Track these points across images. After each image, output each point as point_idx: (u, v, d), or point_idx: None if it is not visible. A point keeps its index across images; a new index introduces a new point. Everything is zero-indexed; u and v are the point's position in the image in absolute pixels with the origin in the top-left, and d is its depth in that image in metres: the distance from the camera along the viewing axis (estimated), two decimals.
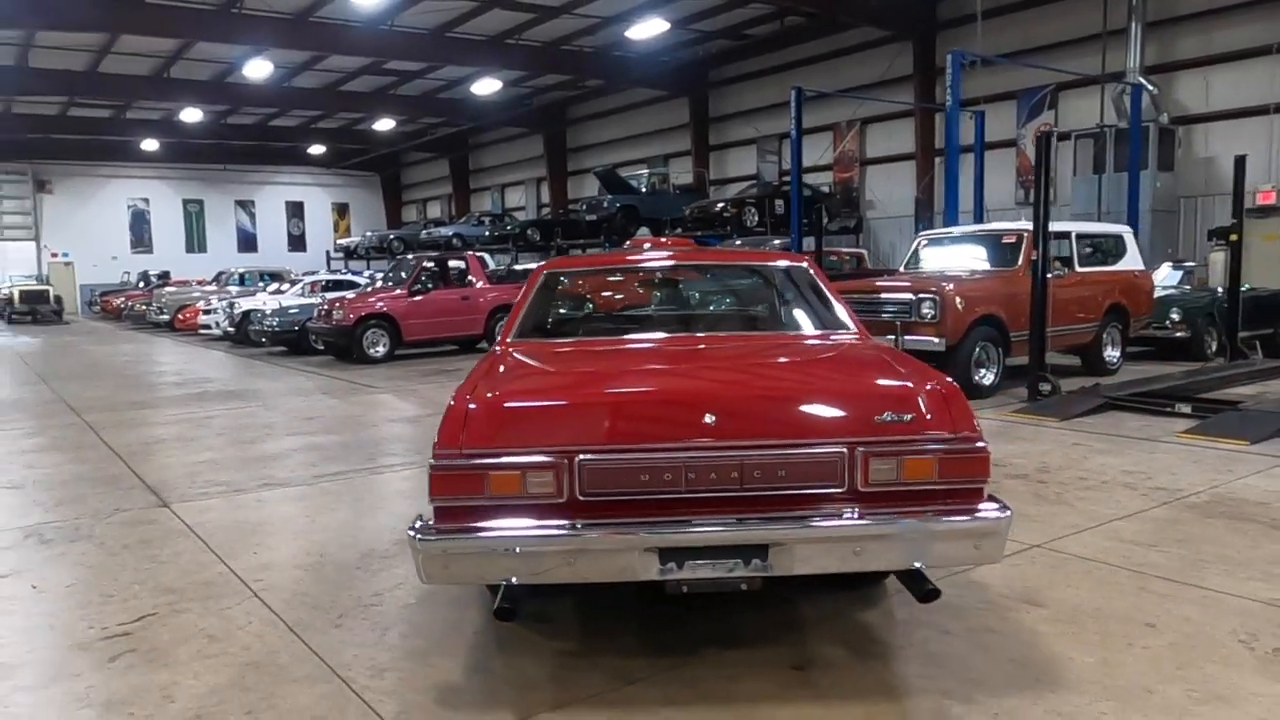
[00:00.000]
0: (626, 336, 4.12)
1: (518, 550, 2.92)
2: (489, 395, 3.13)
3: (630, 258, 5.14)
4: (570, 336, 4.39)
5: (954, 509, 3.02)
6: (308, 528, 5.22)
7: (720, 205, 21.40)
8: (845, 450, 2.99)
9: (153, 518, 5.47)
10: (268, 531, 5.17)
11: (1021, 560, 4.35)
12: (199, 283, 27.39)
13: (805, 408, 3.14)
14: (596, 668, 3.30)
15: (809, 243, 14.80)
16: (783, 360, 3.78)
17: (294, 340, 15.80)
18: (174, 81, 26.03)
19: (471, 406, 3.05)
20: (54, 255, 35.79)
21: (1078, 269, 10.36)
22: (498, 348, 4.05)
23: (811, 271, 4.41)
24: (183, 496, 5.95)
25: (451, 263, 15.47)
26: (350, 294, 15.32)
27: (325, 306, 14.52)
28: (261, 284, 24.29)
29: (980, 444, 3.06)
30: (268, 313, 16.31)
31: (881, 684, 3.14)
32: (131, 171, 36.65)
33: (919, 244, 11.06)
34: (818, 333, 4.08)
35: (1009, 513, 3.04)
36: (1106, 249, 11.19)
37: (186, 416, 9.44)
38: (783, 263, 4.58)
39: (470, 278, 15.10)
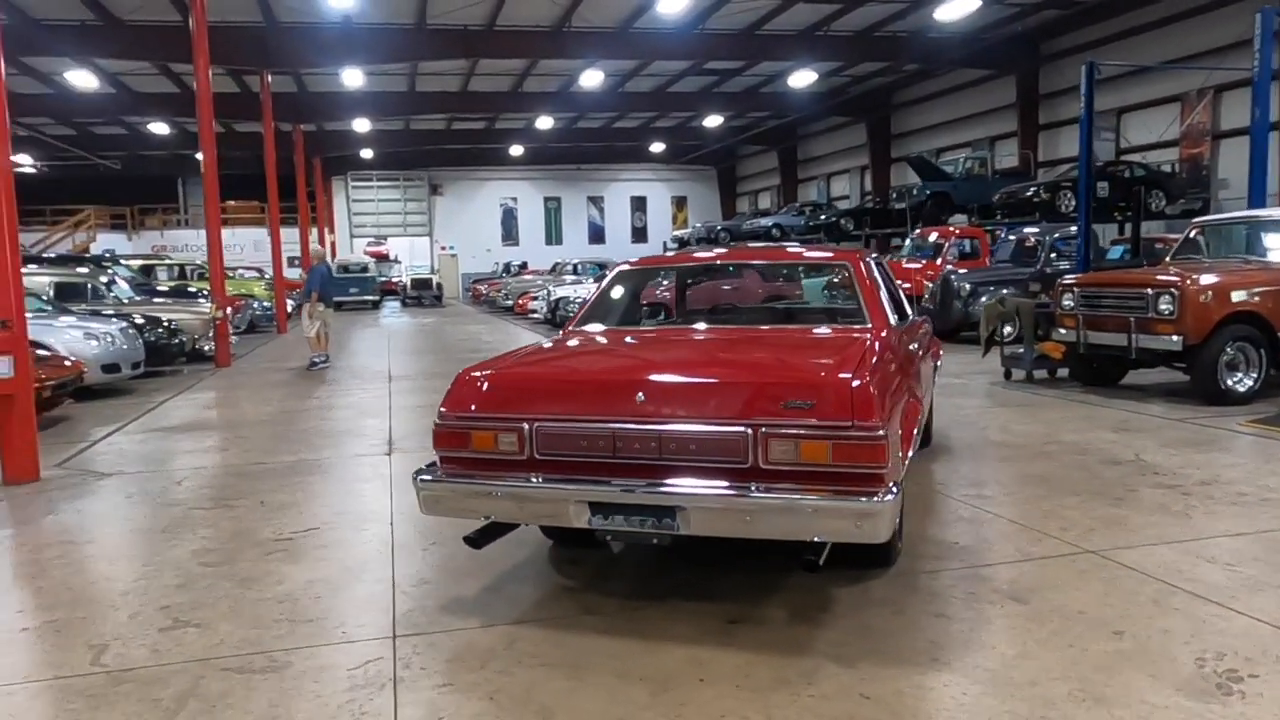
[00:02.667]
0: (649, 327, 4.70)
1: (482, 493, 3.70)
2: (479, 372, 3.93)
3: (689, 259, 5.59)
4: (619, 325, 5.02)
5: (840, 490, 3.29)
6: None
7: (1031, 190, 20.07)
8: (749, 431, 3.40)
9: (373, 462, 6.95)
10: None
11: (1057, 562, 4.28)
12: (546, 273, 30.89)
13: (717, 392, 3.58)
14: (574, 600, 3.99)
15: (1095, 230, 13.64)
16: (735, 350, 4.16)
17: None
18: (527, 95, 29.58)
19: (464, 379, 3.88)
20: (443, 248, 42.06)
21: None
22: (560, 333, 4.83)
23: (850, 270, 4.63)
24: (404, 449, 7.42)
25: None
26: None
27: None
28: (591, 274, 26.90)
29: (876, 433, 3.29)
30: (574, 300, 18.31)
31: (785, 642, 3.49)
32: (503, 174, 41.97)
33: (1191, 232, 9.96)
34: (824, 325, 4.35)
35: (889, 498, 3.24)
36: None
37: None
38: (822, 262, 4.84)
39: None
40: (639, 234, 44.20)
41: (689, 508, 3.42)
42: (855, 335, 4.21)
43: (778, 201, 38.83)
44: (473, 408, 3.79)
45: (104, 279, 15.51)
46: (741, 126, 36.47)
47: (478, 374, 3.92)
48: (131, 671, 3.38)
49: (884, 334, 4.29)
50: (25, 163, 33.49)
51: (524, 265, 35.35)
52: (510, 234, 43.14)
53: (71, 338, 10.49)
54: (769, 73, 28.22)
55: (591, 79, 26.23)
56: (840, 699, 3.04)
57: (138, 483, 6.48)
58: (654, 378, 3.70)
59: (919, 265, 17.30)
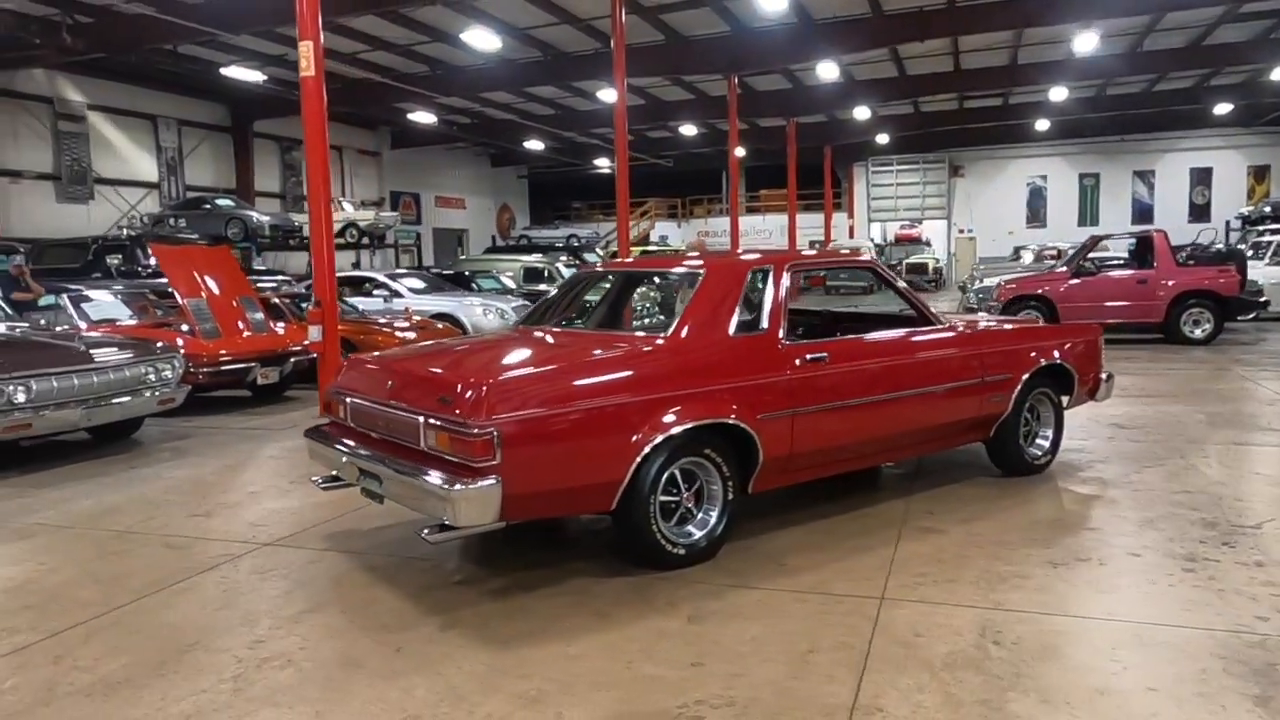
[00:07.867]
0: (521, 328, 5.27)
1: (323, 452, 4.84)
2: (353, 357, 5.03)
3: (612, 266, 5.72)
4: (535, 323, 5.53)
5: (451, 477, 3.77)
6: None
7: None
8: (422, 419, 4.05)
9: None
10: None
11: (822, 600, 3.95)
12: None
13: (415, 385, 4.23)
14: (408, 547, 4.91)
15: None
16: (489, 350, 4.57)
17: None
18: (1028, 66, 27.45)
19: (346, 361, 5.04)
20: (960, 231, 40.81)
21: None
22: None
23: (698, 277, 4.58)
24: None
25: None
26: (1025, 273, 15.27)
27: (999, 285, 14.92)
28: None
29: (479, 430, 3.71)
30: (977, 288, 17.22)
31: (446, 602, 4.05)
32: (1029, 151, 39.08)
33: None
34: (636, 331, 4.48)
35: (467, 488, 3.66)
36: None
37: None
38: (678, 270, 4.85)
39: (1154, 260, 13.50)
40: (1199, 212, 37.63)
41: (382, 478, 4.19)
42: (617, 343, 4.40)
43: None
44: (337, 384, 4.95)
45: (560, 263, 19.19)
46: None
47: (350, 358, 5.06)
48: (141, 532, 5.29)
49: (674, 344, 4.34)
50: (604, 165, 41.04)
51: (1018, 250, 32.56)
52: (1037, 215, 40.04)
53: (474, 313, 13.61)
54: None
55: (1086, 43, 23.52)
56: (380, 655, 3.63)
57: None
58: (401, 370, 4.49)
59: None
